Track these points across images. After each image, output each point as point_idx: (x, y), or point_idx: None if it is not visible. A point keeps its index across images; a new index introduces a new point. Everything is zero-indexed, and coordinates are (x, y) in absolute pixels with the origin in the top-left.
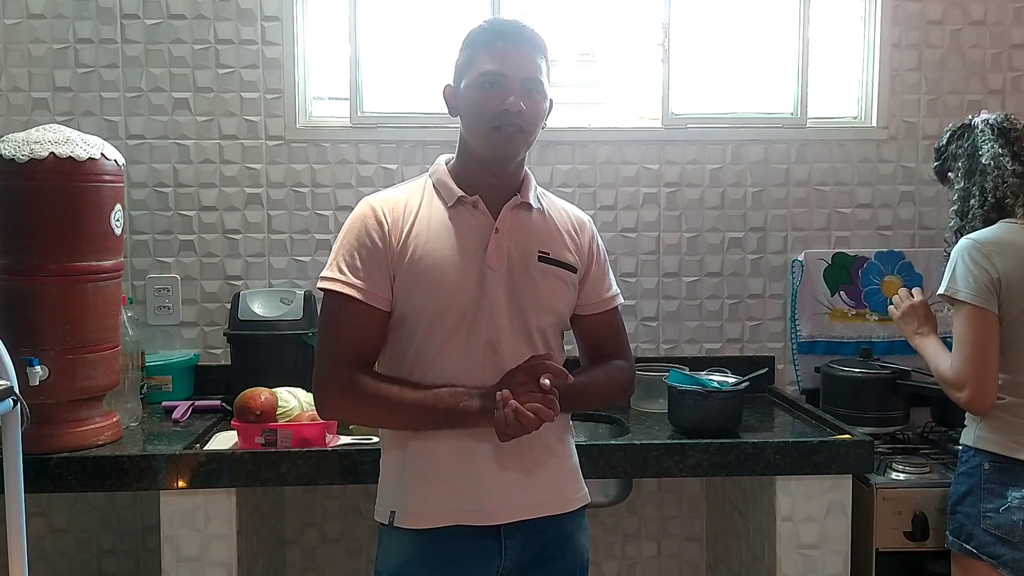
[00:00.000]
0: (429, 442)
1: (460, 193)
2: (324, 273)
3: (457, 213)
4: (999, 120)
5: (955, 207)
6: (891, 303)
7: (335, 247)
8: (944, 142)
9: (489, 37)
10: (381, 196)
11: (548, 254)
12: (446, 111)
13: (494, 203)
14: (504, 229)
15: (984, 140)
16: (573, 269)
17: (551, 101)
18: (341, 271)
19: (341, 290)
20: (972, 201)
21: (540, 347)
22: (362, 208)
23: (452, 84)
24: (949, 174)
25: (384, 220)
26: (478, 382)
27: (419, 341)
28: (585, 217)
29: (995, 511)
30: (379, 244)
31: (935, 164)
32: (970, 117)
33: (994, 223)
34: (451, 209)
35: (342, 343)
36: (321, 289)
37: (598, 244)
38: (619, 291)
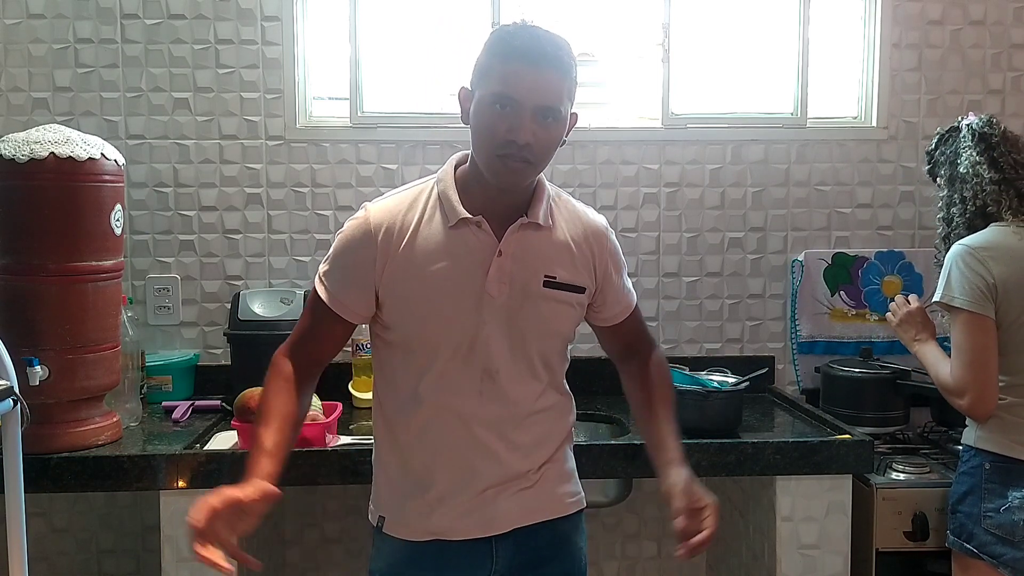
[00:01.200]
0: (427, 459)
1: (463, 214)
2: (321, 267)
3: (459, 233)
4: (981, 125)
5: (940, 214)
6: (888, 310)
7: (331, 248)
8: (933, 146)
9: (509, 51)
10: (382, 206)
11: (555, 278)
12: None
13: (500, 221)
14: (508, 252)
15: (964, 147)
16: (581, 290)
17: (575, 115)
18: (326, 273)
19: (318, 290)
20: (954, 209)
21: (541, 371)
22: (359, 218)
23: (468, 87)
24: (937, 179)
25: (376, 235)
26: (477, 408)
27: (416, 365)
28: (602, 224)
29: (996, 511)
30: (364, 259)
31: (926, 167)
32: (959, 119)
33: (978, 229)
34: (452, 231)
35: (298, 331)
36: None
37: (615, 253)
38: (632, 287)
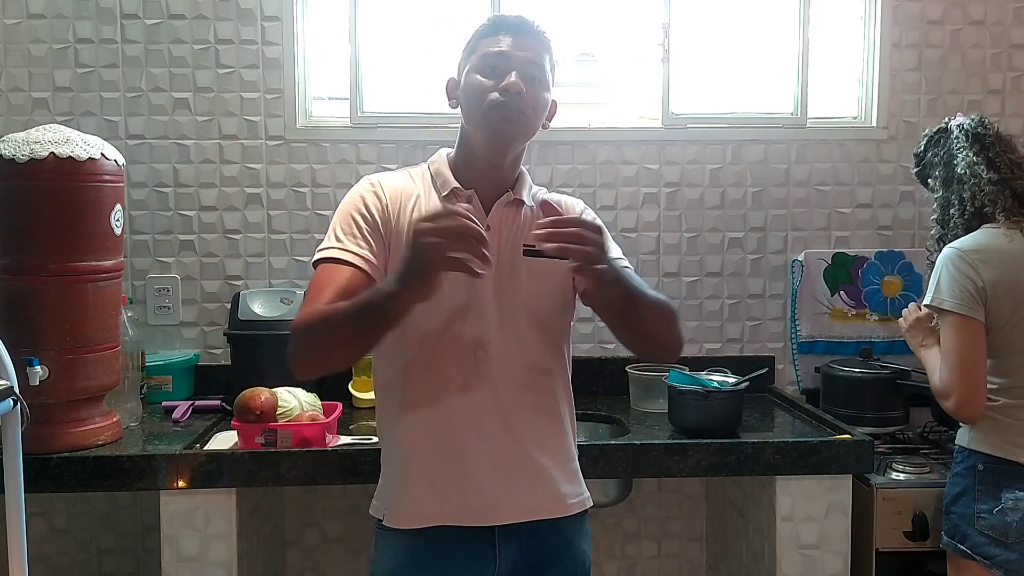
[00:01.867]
0: (417, 439)
1: (455, 184)
2: (321, 246)
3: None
4: (973, 125)
5: (935, 216)
6: (899, 313)
7: (332, 224)
8: (922, 148)
9: (494, 27)
10: (385, 178)
11: (533, 246)
12: (446, 111)
13: (488, 199)
14: (495, 226)
15: (959, 148)
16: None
17: (554, 102)
18: (338, 239)
19: (337, 255)
20: (952, 210)
21: (535, 347)
22: (361, 184)
23: (455, 77)
24: (929, 180)
25: (382, 194)
26: (471, 381)
27: (409, 337)
28: (575, 201)
29: (989, 512)
30: (377, 215)
31: (915, 170)
32: (946, 120)
33: (975, 230)
34: (444, 201)
35: (324, 295)
36: (315, 263)
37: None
38: (627, 263)
